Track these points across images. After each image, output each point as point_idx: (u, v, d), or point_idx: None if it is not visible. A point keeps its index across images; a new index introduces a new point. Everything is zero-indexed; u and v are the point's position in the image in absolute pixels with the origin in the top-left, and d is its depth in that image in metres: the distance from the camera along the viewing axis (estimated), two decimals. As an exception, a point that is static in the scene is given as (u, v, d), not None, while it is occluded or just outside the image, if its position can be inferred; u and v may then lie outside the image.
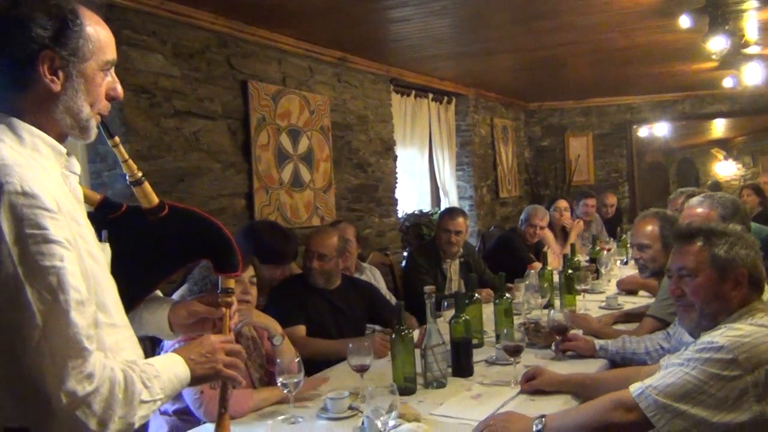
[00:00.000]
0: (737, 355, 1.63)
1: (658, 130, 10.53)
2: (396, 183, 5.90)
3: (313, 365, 2.69)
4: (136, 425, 1.21)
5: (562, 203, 5.69)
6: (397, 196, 5.92)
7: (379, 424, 1.79)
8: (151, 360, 1.32)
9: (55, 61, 1.23)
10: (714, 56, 4.55)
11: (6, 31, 1.20)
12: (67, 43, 1.24)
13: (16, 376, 1.09)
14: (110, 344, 1.23)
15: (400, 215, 6.07)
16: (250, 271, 2.53)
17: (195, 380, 1.39)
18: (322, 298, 3.21)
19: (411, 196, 6.62)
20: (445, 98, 6.91)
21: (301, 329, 3.06)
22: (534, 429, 1.81)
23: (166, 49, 3.58)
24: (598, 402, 1.78)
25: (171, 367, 1.33)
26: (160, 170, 3.53)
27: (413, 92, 6.35)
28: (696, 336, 1.83)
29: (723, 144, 14.04)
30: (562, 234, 5.64)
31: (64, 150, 1.30)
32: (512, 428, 1.87)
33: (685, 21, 3.97)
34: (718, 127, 12.54)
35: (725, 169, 14.08)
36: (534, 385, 2.26)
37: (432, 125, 6.70)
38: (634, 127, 9.04)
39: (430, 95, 6.64)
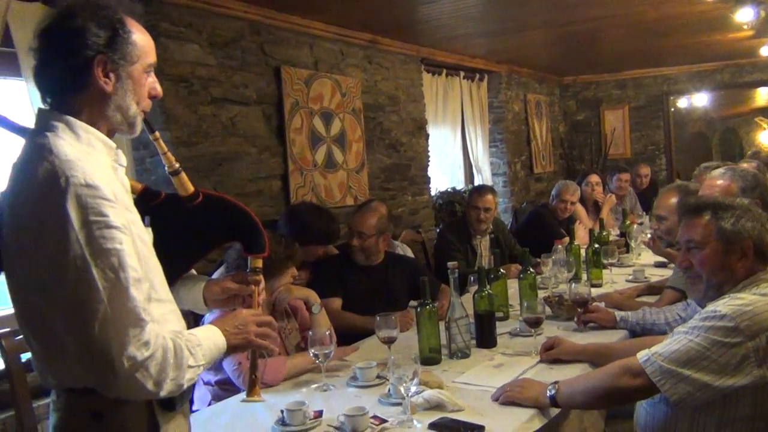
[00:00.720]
0: (739, 323, 1.71)
1: (698, 100, 10.36)
2: (428, 161, 5.98)
3: (346, 338, 2.85)
4: (184, 387, 1.37)
5: (594, 178, 5.71)
6: (429, 174, 6.01)
7: (403, 390, 1.94)
8: (193, 331, 1.48)
9: (107, 64, 1.38)
10: (745, 26, 4.50)
11: (65, 40, 1.36)
12: (117, 49, 1.39)
13: (85, 344, 1.26)
14: (157, 316, 1.38)
15: (433, 193, 6.17)
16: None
17: (230, 349, 1.54)
18: (363, 274, 3.36)
19: (444, 174, 6.71)
20: (477, 76, 6.94)
21: (337, 302, 3.22)
22: (548, 394, 1.93)
23: (202, 39, 3.74)
24: (607, 368, 1.88)
25: (211, 337, 1.49)
26: (199, 156, 3.70)
27: (444, 71, 6.40)
28: (703, 306, 1.91)
29: (768, 112, 13.68)
30: (595, 209, 5.67)
31: (113, 145, 1.46)
32: (527, 393, 2.00)
33: (711, -7, 3.96)
34: (763, 95, 12.22)
35: (770, 138, 13.73)
36: (552, 354, 2.37)
37: (464, 103, 6.75)
38: (671, 98, 8.92)
39: (462, 73, 6.68)
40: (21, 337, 2.18)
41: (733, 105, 12.80)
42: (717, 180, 2.71)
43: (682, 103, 10.36)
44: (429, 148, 6.01)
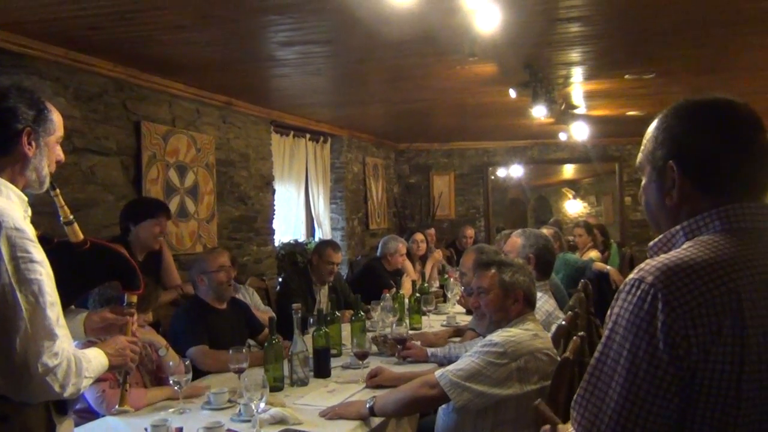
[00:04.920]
0: (506, 348, 2.36)
1: (514, 171, 11.75)
2: (273, 215, 6.45)
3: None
4: (81, 392, 1.73)
5: (419, 236, 6.47)
6: (274, 226, 6.47)
7: (253, 407, 2.36)
8: (84, 350, 1.83)
9: (31, 135, 1.76)
10: (542, 117, 5.49)
11: (1, 118, 1.71)
12: (41, 123, 1.78)
13: (6, 353, 1.58)
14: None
15: (276, 244, 6.62)
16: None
17: (110, 368, 1.91)
18: (219, 316, 3.63)
19: (287, 227, 7.18)
20: (321, 138, 7.57)
21: (205, 347, 3.42)
22: (367, 405, 2.45)
23: (68, 93, 3.99)
24: (412, 382, 2.46)
25: (97, 357, 1.86)
26: (58, 201, 3.90)
27: (292, 133, 6.96)
28: (486, 336, 2.55)
29: (573, 184, 15.68)
30: (421, 262, 6.41)
31: (26, 198, 1.81)
32: (351, 409, 2.51)
33: (512, 93, 4.86)
34: (568, 170, 14.07)
35: (573, 206, 15.68)
36: (375, 381, 2.90)
37: (309, 162, 7.33)
38: (490, 168, 10.14)
39: (308, 135, 7.28)
40: None
41: (544, 176, 14.57)
42: (514, 237, 3.56)
43: (501, 172, 11.70)
44: (274, 203, 6.48)
